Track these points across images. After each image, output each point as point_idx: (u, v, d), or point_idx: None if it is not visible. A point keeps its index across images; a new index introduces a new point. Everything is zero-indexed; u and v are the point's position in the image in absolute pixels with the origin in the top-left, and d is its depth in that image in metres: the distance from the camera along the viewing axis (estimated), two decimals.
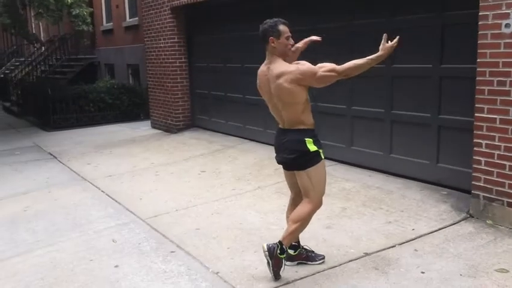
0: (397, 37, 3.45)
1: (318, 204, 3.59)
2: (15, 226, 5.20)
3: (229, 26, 8.56)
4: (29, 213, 5.59)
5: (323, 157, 3.56)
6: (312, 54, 3.70)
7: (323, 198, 3.63)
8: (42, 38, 20.03)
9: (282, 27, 3.45)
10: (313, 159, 3.51)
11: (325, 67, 3.43)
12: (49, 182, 6.86)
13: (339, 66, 3.42)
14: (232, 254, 4.14)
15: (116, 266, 4.07)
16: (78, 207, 5.68)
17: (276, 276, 3.60)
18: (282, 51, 3.48)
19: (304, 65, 3.43)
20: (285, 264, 3.63)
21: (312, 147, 3.48)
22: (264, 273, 3.67)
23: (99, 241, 4.64)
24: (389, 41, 3.45)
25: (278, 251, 3.53)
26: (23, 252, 4.51)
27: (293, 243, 3.77)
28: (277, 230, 4.33)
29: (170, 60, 9.87)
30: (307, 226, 3.67)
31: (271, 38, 3.45)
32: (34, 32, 20.92)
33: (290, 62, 3.52)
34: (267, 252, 3.56)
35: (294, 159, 3.54)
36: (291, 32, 3.50)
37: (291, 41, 3.51)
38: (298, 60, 3.65)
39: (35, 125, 12.53)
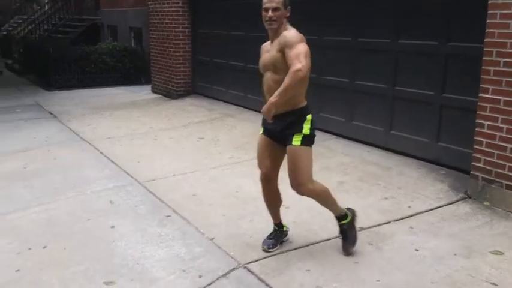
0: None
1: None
2: (13, 183, 5.20)
3: None
4: (28, 170, 5.60)
5: (260, 133, 3.54)
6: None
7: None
8: None
9: None
10: None
11: None
12: (49, 141, 6.85)
13: None
14: (228, 221, 4.16)
15: (112, 227, 4.09)
16: (76, 167, 5.69)
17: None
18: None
19: None
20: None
21: None
22: (258, 241, 3.69)
23: (97, 202, 4.66)
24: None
25: (341, 223, 3.59)
26: (21, 209, 4.52)
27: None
28: None
29: (173, 25, 9.75)
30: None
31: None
32: None
33: (273, 36, 3.35)
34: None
35: None
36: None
37: (269, 13, 3.26)
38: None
39: (36, 83, 12.43)
